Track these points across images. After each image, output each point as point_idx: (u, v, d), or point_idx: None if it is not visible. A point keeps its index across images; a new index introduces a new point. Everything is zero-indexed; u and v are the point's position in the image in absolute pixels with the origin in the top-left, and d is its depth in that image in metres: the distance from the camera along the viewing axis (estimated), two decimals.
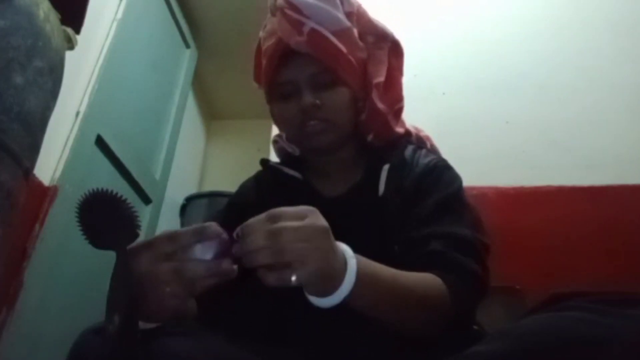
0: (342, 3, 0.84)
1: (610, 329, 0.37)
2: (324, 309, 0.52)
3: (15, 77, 0.76)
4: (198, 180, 3.53)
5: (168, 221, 2.56)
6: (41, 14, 0.83)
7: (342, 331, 0.63)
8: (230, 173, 3.00)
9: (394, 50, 0.88)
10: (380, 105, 0.83)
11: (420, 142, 0.92)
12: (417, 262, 0.64)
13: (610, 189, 1.42)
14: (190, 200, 2.77)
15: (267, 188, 0.87)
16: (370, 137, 0.86)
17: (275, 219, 0.48)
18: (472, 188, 1.39)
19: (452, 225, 0.70)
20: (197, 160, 3.58)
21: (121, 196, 0.49)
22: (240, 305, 0.75)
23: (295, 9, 0.80)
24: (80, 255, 1.57)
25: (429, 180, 0.77)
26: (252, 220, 0.48)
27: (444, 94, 1.70)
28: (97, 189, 0.49)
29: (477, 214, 0.75)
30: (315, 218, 0.50)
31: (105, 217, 0.49)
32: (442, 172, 0.79)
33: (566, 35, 1.73)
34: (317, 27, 0.79)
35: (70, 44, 0.99)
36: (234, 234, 0.47)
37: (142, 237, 0.52)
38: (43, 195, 1.49)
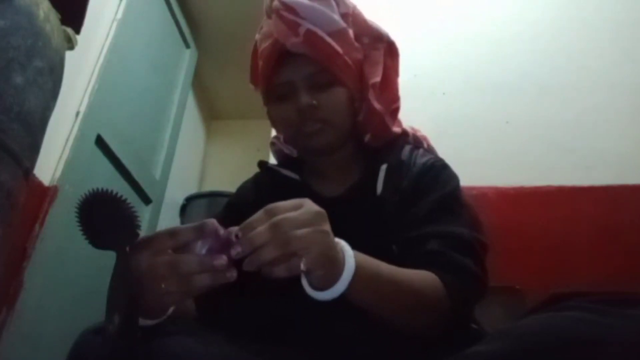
0: (337, 4, 0.85)
1: (610, 329, 0.37)
2: (323, 308, 0.52)
3: (15, 77, 0.76)
4: (198, 180, 3.53)
5: (168, 221, 2.56)
6: (41, 14, 0.83)
7: (342, 331, 0.63)
8: (230, 173, 3.00)
9: (390, 50, 0.89)
10: (377, 106, 0.83)
11: (417, 142, 0.93)
12: (415, 262, 0.64)
13: (611, 189, 1.42)
14: (190, 200, 2.77)
15: (266, 189, 0.87)
16: (367, 138, 0.86)
17: (272, 213, 0.48)
18: (472, 188, 1.40)
19: (450, 224, 0.70)
20: (197, 160, 3.58)
21: (121, 196, 0.49)
22: (239, 305, 0.75)
23: (291, 10, 0.80)
24: (80, 255, 1.57)
25: (426, 179, 0.77)
26: (250, 219, 0.48)
27: (444, 94, 1.70)
28: (97, 189, 0.49)
29: (474, 213, 0.75)
30: (309, 205, 0.51)
31: (105, 217, 0.48)
32: (439, 171, 0.79)
33: (567, 36, 1.73)
34: (312, 28, 0.80)
35: (70, 44, 0.99)
36: (233, 235, 0.47)
37: None
38: (43, 195, 1.49)
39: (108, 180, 1.81)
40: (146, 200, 2.16)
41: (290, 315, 0.70)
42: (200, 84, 3.36)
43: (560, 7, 1.78)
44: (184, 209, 2.77)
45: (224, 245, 0.47)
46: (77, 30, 1.03)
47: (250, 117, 3.55)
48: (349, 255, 0.52)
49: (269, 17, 0.86)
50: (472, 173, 1.27)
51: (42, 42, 0.82)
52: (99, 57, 1.82)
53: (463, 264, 0.65)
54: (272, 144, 0.98)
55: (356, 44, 0.85)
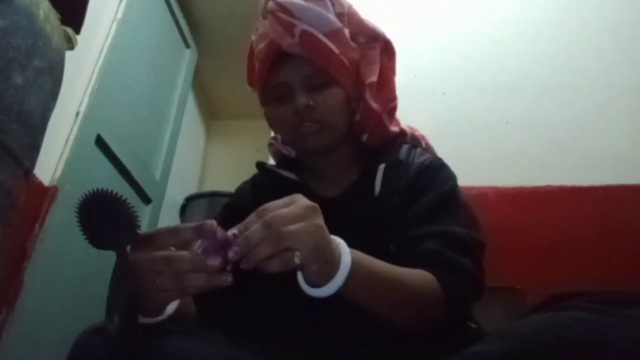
0: (332, 4, 0.85)
1: (610, 329, 0.37)
2: (323, 308, 0.52)
3: (15, 77, 0.76)
4: (198, 180, 3.53)
5: (168, 221, 2.56)
6: (41, 14, 0.83)
7: (342, 331, 0.64)
8: (230, 173, 3.00)
9: (386, 50, 0.89)
10: (374, 105, 0.83)
11: (415, 141, 0.93)
12: (412, 262, 0.64)
13: (611, 189, 1.42)
14: (190, 200, 2.77)
15: (264, 190, 0.87)
16: (365, 137, 0.86)
17: (264, 213, 0.48)
18: (472, 188, 1.40)
19: (447, 223, 0.70)
20: (197, 160, 3.58)
21: (121, 196, 0.49)
22: (239, 305, 0.75)
23: (286, 11, 0.80)
24: (80, 255, 1.57)
25: (424, 179, 0.77)
26: (244, 221, 0.49)
27: (444, 94, 1.70)
28: (97, 189, 0.49)
29: (472, 212, 0.75)
30: (301, 200, 0.51)
31: (105, 217, 0.48)
32: (437, 170, 0.79)
33: (566, 36, 1.72)
34: (308, 28, 0.80)
35: (70, 44, 0.99)
36: (231, 234, 0.47)
37: None
38: (43, 195, 1.49)
39: (108, 180, 1.81)
40: (146, 200, 2.16)
41: (290, 315, 0.70)
42: (200, 84, 3.36)
43: (560, 7, 1.78)
44: (184, 209, 2.77)
45: (222, 247, 0.47)
46: (77, 30, 1.03)
47: (250, 117, 3.54)
48: (345, 252, 0.52)
49: (264, 18, 0.86)
50: (472, 173, 1.27)
51: (42, 42, 0.82)
52: (99, 57, 1.82)
53: (460, 263, 0.65)
54: (270, 144, 0.98)
55: (352, 44, 0.85)
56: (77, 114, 1.68)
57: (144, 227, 2.07)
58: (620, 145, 1.50)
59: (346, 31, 0.85)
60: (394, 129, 0.89)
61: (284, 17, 0.80)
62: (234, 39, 2.86)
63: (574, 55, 1.68)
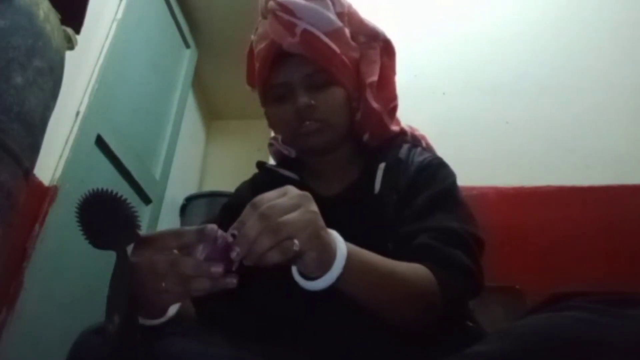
0: (333, 3, 0.85)
1: (610, 329, 0.37)
2: (323, 308, 0.52)
3: (15, 77, 0.76)
4: (198, 180, 3.53)
5: (168, 221, 2.56)
6: (41, 14, 0.83)
7: (340, 331, 0.63)
8: (230, 173, 3.00)
9: (386, 49, 0.89)
10: (375, 105, 0.83)
11: (415, 140, 0.93)
12: (407, 256, 0.64)
13: (610, 189, 1.42)
14: (190, 200, 2.77)
15: (264, 190, 0.86)
16: (366, 137, 0.86)
17: (258, 205, 0.48)
18: (472, 188, 1.40)
19: (443, 219, 0.70)
20: (197, 160, 3.58)
21: (121, 196, 0.49)
22: (238, 306, 0.75)
23: (287, 10, 0.80)
24: (80, 255, 1.57)
25: (423, 177, 0.77)
26: (240, 217, 0.48)
27: (444, 94, 1.70)
28: (97, 189, 0.49)
29: (470, 210, 0.75)
30: (293, 190, 0.51)
31: (105, 217, 0.48)
32: (436, 169, 0.79)
33: (566, 36, 1.72)
34: (309, 28, 0.80)
35: (70, 44, 0.99)
36: (230, 233, 0.47)
37: None
38: (43, 195, 1.49)
39: (108, 180, 1.81)
40: (146, 200, 2.16)
41: (289, 316, 0.70)
42: (200, 84, 3.36)
43: (560, 7, 1.78)
44: (184, 209, 2.77)
45: (224, 249, 0.47)
46: (77, 30, 1.03)
47: (250, 117, 3.54)
48: (341, 243, 0.52)
49: (264, 17, 0.86)
50: (472, 173, 1.27)
51: (42, 42, 0.82)
52: (99, 57, 1.82)
53: (454, 256, 0.65)
54: (271, 144, 0.98)
55: (352, 43, 0.85)
56: (77, 114, 1.68)
57: (144, 227, 2.07)
58: (620, 145, 1.50)
59: (346, 31, 0.85)
60: (395, 128, 0.89)
61: (285, 17, 0.80)
62: (234, 39, 2.86)
63: (574, 55, 1.68)
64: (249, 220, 0.47)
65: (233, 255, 0.46)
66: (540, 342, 0.39)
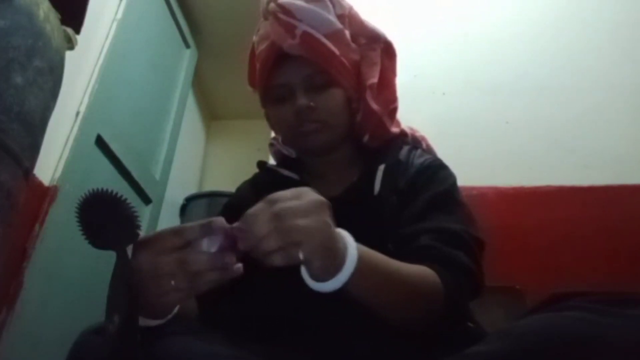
0: (333, 5, 0.85)
1: (610, 329, 0.37)
2: (324, 307, 0.51)
3: (15, 77, 0.76)
4: (198, 180, 3.53)
5: (168, 221, 2.56)
6: (41, 14, 0.83)
7: (343, 330, 0.63)
8: (230, 173, 3.00)
9: (387, 51, 0.89)
10: (375, 106, 0.84)
11: (415, 142, 0.93)
12: (408, 257, 0.64)
13: (610, 189, 1.42)
14: (190, 200, 2.77)
15: (264, 189, 0.87)
16: (366, 138, 0.87)
17: (274, 202, 0.48)
18: (472, 188, 1.40)
19: (443, 220, 0.70)
20: (197, 160, 3.58)
21: (121, 196, 0.49)
22: (240, 304, 0.75)
23: (288, 12, 0.81)
24: (80, 255, 1.57)
25: (423, 179, 0.77)
26: (253, 209, 0.48)
27: (444, 94, 1.70)
28: (97, 189, 0.49)
29: (470, 212, 0.75)
30: (311, 194, 0.50)
31: (105, 217, 0.48)
32: (436, 170, 0.79)
33: (566, 36, 1.72)
34: (309, 29, 0.80)
35: (70, 44, 0.99)
36: (237, 226, 0.47)
37: None
38: (43, 195, 1.49)
39: (108, 180, 1.81)
40: (146, 200, 2.16)
41: (291, 315, 0.70)
42: (200, 84, 3.36)
43: (560, 8, 1.78)
44: (184, 209, 2.77)
45: (230, 240, 0.47)
46: (77, 30, 1.03)
47: (250, 117, 3.54)
48: (352, 246, 0.52)
49: (265, 19, 0.87)
50: (472, 173, 1.27)
51: (42, 42, 0.82)
52: (99, 57, 1.82)
53: (455, 257, 0.65)
54: (271, 145, 0.99)
55: (353, 45, 0.86)
56: (77, 114, 1.68)
57: (144, 227, 2.07)
58: (620, 145, 1.50)
59: (347, 32, 0.85)
60: (395, 130, 0.89)
61: (285, 19, 0.81)
62: (234, 39, 2.86)
63: (574, 55, 1.68)
64: (261, 216, 0.47)
65: (241, 246, 0.46)
66: (540, 342, 0.39)
